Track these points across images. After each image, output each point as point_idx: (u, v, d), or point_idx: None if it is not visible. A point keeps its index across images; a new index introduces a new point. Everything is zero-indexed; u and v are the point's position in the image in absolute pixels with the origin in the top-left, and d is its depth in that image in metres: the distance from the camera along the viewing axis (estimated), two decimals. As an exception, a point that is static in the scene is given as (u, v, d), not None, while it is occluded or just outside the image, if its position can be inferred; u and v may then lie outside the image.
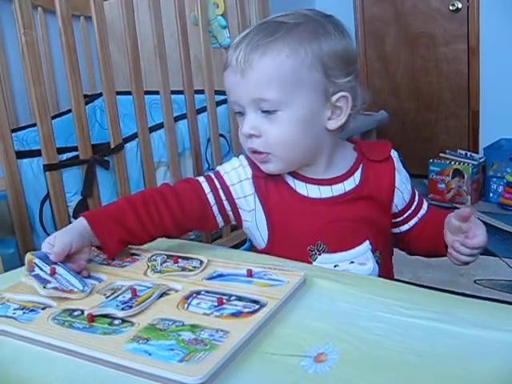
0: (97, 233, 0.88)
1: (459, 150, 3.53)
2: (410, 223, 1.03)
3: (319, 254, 0.94)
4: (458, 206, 3.30)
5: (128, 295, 0.75)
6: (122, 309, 0.71)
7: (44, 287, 0.78)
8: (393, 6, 3.81)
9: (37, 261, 0.84)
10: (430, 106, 3.84)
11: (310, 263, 0.93)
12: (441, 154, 3.48)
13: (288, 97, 0.86)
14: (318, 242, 0.94)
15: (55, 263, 0.83)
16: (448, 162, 3.38)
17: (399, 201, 1.00)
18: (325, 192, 0.95)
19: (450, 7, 3.58)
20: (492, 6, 3.42)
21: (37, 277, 0.80)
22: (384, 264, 1.00)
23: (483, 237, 0.88)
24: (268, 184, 0.96)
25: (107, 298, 0.76)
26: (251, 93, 0.87)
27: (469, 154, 3.48)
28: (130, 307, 0.72)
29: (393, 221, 1.02)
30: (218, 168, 1.01)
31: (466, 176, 3.29)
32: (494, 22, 3.44)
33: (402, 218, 1.03)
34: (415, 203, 1.03)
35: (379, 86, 4.00)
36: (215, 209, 0.97)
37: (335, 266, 0.94)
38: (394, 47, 3.89)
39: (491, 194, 3.34)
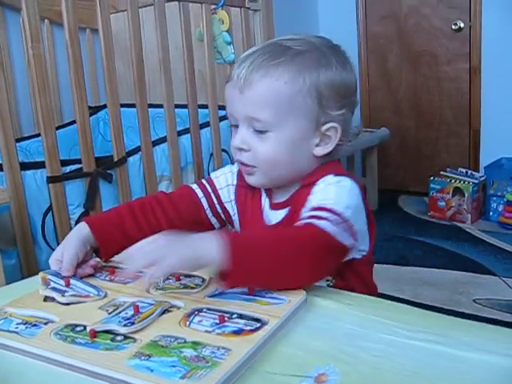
0: (98, 238, 0.95)
1: (460, 169, 3.54)
2: None
3: None
4: (458, 224, 3.31)
5: (130, 312, 0.76)
6: (125, 325, 0.72)
7: (62, 295, 0.83)
8: (396, 24, 3.84)
9: (50, 277, 0.89)
10: (432, 124, 3.86)
11: None
12: (441, 172, 3.49)
13: (280, 120, 0.90)
14: None
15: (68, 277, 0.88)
16: (448, 180, 3.39)
17: None
18: (275, 218, 0.98)
19: (453, 26, 3.61)
20: (494, 26, 3.46)
21: (54, 289, 0.85)
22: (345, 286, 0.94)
23: None
24: (247, 195, 1.03)
25: (109, 314, 0.77)
26: (246, 110, 0.91)
27: (469, 172, 3.49)
28: (133, 323, 0.72)
29: None
30: (211, 174, 1.09)
31: (466, 194, 3.30)
32: (495, 42, 3.47)
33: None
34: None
35: (381, 103, 4.02)
36: (209, 212, 1.06)
37: None
38: (397, 65, 3.92)
39: (491, 213, 3.35)
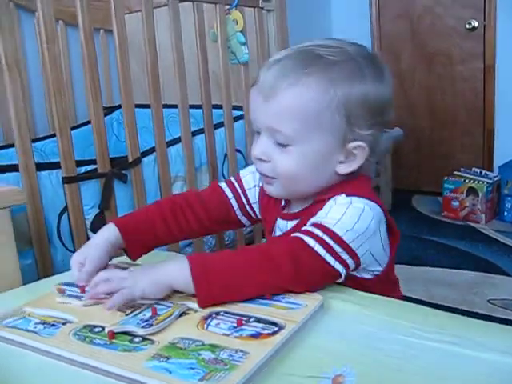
0: (127, 241, 0.95)
1: (474, 168, 3.52)
2: None
3: None
4: (472, 224, 3.29)
5: (148, 313, 0.76)
6: (143, 327, 0.73)
7: (79, 300, 0.84)
8: (409, 24, 3.83)
9: (65, 287, 0.90)
10: (446, 123, 3.85)
11: None
12: (455, 172, 3.47)
13: (304, 135, 0.85)
14: None
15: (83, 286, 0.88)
16: (462, 179, 3.38)
17: None
18: (286, 227, 0.97)
19: (467, 26, 3.60)
20: (508, 25, 3.43)
21: (70, 296, 0.87)
22: None
23: None
24: (270, 199, 1.01)
25: (127, 315, 0.77)
26: (269, 121, 0.86)
27: (483, 172, 3.48)
28: (151, 325, 0.73)
29: None
30: (240, 172, 1.08)
31: (480, 194, 3.28)
32: (510, 42, 3.44)
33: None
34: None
35: (394, 102, 3.96)
36: (239, 212, 1.05)
37: None
38: (410, 65, 3.91)
39: (506, 213, 3.33)
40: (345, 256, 0.82)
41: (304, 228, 0.84)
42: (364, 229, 0.83)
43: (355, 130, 0.85)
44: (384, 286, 0.95)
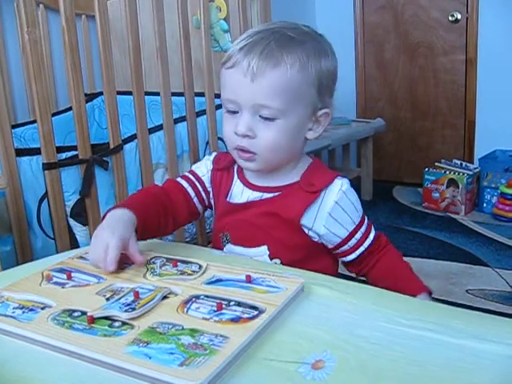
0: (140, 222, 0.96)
1: (454, 160, 3.55)
2: (356, 252, 1.05)
3: (226, 243, 1.07)
4: (452, 215, 3.32)
5: (131, 297, 0.76)
6: (126, 311, 0.72)
7: (62, 287, 0.83)
8: (393, 15, 3.84)
9: (54, 273, 0.88)
10: (427, 115, 3.87)
11: (222, 249, 1.08)
12: (436, 163, 3.50)
13: (288, 108, 0.93)
14: (226, 232, 1.07)
15: (70, 271, 0.88)
16: (443, 171, 3.40)
17: (326, 233, 1.02)
18: (247, 196, 1.05)
19: (450, 18, 3.61)
20: (491, 18, 3.46)
21: (55, 283, 0.85)
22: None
23: None
24: (222, 177, 1.09)
25: (108, 299, 0.77)
26: (256, 98, 0.92)
27: (464, 163, 3.50)
28: (133, 309, 0.72)
29: (337, 251, 1.05)
30: (193, 166, 1.15)
31: (460, 186, 3.31)
32: (492, 34, 3.47)
33: (344, 247, 1.04)
34: (358, 235, 1.04)
35: (377, 93, 4.02)
36: (196, 200, 1.11)
37: None
38: (393, 55, 3.91)
39: (485, 205, 3.36)
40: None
41: (357, 241, 1.04)
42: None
43: (324, 98, 0.97)
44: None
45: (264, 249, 1.03)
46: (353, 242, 1.03)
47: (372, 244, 1.05)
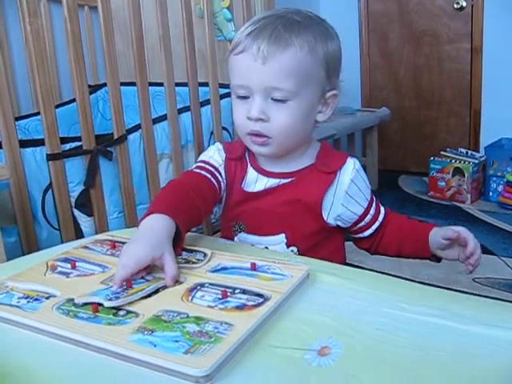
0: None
1: (460, 149, 3.53)
2: (372, 227, 1.09)
3: (239, 232, 1.07)
4: (457, 204, 3.30)
5: (123, 286, 0.76)
6: (110, 299, 0.72)
7: (67, 277, 0.82)
8: (397, 3, 3.81)
9: (58, 263, 0.88)
10: (432, 103, 3.85)
11: (232, 238, 1.07)
12: (442, 152, 3.48)
13: (299, 89, 0.94)
14: (239, 221, 1.06)
15: (75, 260, 0.87)
16: (449, 160, 3.39)
17: (344, 212, 1.05)
18: (264, 183, 1.04)
19: (455, 5, 3.59)
20: (496, 6, 3.43)
21: (60, 273, 0.84)
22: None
23: (479, 252, 1.04)
24: (237, 166, 1.07)
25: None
26: (268, 80, 0.93)
27: (470, 152, 3.49)
28: (118, 298, 0.72)
29: (355, 228, 1.09)
30: (202, 157, 1.10)
31: (466, 174, 3.29)
32: (497, 22, 3.44)
33: (361, 224, 1.08)
34: (372, 211, 1.09)
35: (381, 82, 4.00)
36: (218, 189, 1.06)
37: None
38: (398, 44, 3.89)
39: (491, 193, 3.35)
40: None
41: (371, 215, 1.08)
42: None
43: (332, 79, 0.99)
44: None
45: (281, 237, 1.04)
46: (368, 217, 1.08)
47: (384, 217, 1.10)
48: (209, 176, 1.05)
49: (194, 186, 0.99)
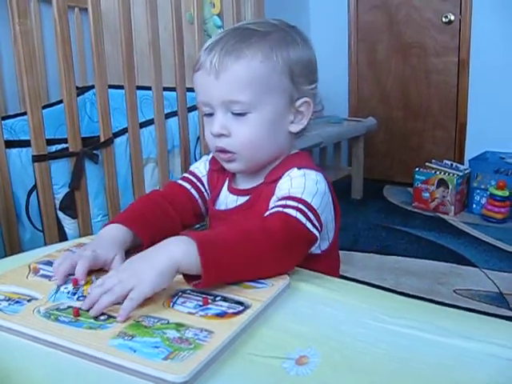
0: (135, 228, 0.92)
1: (445, 161, 3.56)
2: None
3: None
4: (441, 215, 3.33)
5: (70, 286, 0.79)
6: (77, 299, 0.75)
7: (49, 280, 0.83)
8: (387, 15, 3.85)
9: (41, 266, 0.88)
10: (419, 115, 3.88)
11: None
12: (427, 164, 3.51)
13: (258, 100, 0.91)
14: None
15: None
16: (433, 171, 3.42)
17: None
18: (231, 201, 1.02)
19: (443, 19, 3.62)
20: (484, 20, 3.47)
21: (42, 276, 0.85)
22: None
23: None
24: (219, 178, 1.06)
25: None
26: (224, 95, 0.91)
27: (454, 164, 3.52)
28: (84, 296, 0.75)
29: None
30: (190, 168, 1.12)
31: (450, 186, 3.32)
32: (485, 36, 3.48)
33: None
34: (283, 202, 0.89)
35: (369, 92, 4.03)
36: (200, 202, 1.07)
37: None
38: (386, 55, 3.92)
39: (474, 205, 3.38)
40: (316, 223, 0.88)
41: (277, 204, 0.88)
42: (322, 196, 0.91)
43: (299, 87, 0.95)
44: (329, 262, 1.01)
45: None
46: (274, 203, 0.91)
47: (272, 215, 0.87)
48: (189, 187, 1.07)
49: (171, 198, 1.03)
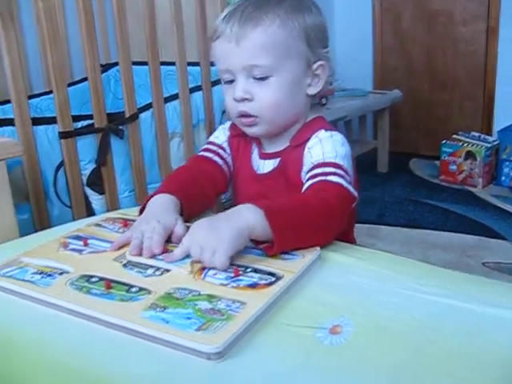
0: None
1: (472, 132, 3.50)
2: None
3: None
4: (469, 188, 3.29)
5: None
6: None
7: (79, 254, 0.83)
8: (411, -17, 3.76)
9: (70, 240, 0.89)
10: (445, 86, 3.81)
11: None
12: (454, 136, 3.45)
13: (278, 63, 0.94)
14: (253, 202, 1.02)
15: (86, 238, 0.89)
16: (461, 143, 3.36)
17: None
18: (268, 165, 1.05)
19: (470, -15, 3.53)
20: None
21: (72, 250, 0.86)
22: None
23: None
24: (240, 143, 1.09)
25: (125, 266, 0.77)
26: (245, 60, 0.94)
27: (482, 136, 3.45)
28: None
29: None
30: (209, 139, 1.15)
31: (478, 158, 3.27)
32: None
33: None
34: (319, 170, 0.93)
35: (394, 63, 3.96)
36: (224, 168, 1.10)
37: None
38: (411, 24, 3.84)
39: (503, 178, 3.32)
40: (352, 183, 0.94)
41: (316, 172, 0.92)
42: (349, 156, 0.97)
43: (315, 50, 0.98)
44: (349, 219, 0.99)
45: None
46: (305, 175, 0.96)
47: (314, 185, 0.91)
48: (211, 156, 1.09)
49: (200, 170, 1.06)
